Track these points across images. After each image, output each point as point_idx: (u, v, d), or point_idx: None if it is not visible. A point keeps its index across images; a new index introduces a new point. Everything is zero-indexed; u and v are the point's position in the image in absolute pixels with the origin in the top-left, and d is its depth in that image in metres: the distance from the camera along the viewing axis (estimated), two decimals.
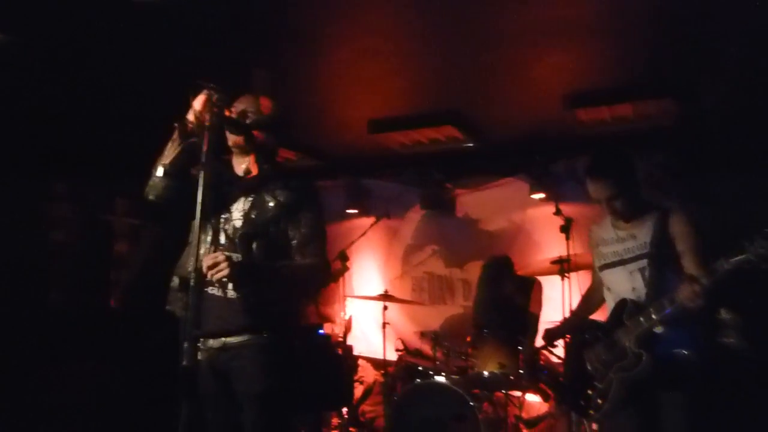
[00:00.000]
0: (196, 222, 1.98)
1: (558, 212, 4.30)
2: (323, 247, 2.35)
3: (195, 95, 2.12)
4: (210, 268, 2.04)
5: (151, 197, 2.28)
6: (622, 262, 2.61)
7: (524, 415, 4.60)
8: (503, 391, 4.23)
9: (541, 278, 4.93)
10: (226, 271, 2.03)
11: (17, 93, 3.96)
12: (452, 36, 3.34)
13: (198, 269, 1.94)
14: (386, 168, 6.00)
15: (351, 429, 5.07)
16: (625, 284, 2.61)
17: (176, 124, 2.18)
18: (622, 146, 2.86)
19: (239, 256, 2.19)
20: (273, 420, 2.22)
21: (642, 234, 2.58)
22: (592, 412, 2.58)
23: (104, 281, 5.01)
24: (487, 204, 5.73)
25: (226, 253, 2.11)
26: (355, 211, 6.02)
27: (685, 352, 2.44)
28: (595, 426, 4.20)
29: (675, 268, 2.49)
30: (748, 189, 4.49)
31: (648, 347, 2.40)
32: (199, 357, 2.21)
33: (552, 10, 3.03)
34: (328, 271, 2.35)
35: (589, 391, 2.60)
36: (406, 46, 3.51)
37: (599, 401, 2.54)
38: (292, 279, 2.25)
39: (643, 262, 2.55)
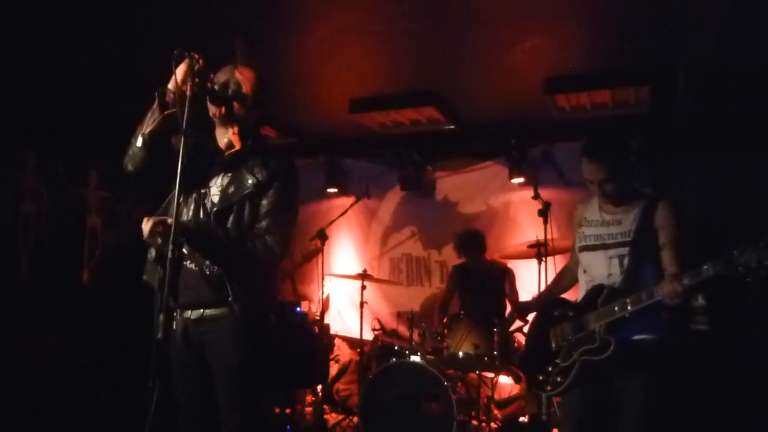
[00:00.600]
0: (175, 194, 1.95)
1: (536, 196, 4.34)
2: (281, 225, 2.25)
3: (176, 64, 2.04)
4: (149, 232, 2.01)
5: (129, 168, 2.23)
6: (603, 246, 2.60)
7: (496, 396, 4.69)
8: (477, 372, 4.29)
9: (518, 262, 4.99)
10: (159, 231, 2.00)
11: None
12: (434, 16, 3.32)
13: (175, 242, 1.92)
14: (366, 148, 5.99)
15: (325, 406, 5.11)
16: (601, 269, 2.60)
17: (156, 94, 2.11)
18: (620, 131, 2.84)
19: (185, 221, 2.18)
20: (247, 393, 2.22)
21: (628, 221, 2.57)
22: (549, 388, 2.62)
23: (75, 255, 4.93)
24: (466, 187, 5.76)
25: (164, 218, 2.05)
26: (335, 190, 6.00)
27: (650, 337, 2.48)
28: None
29: (654, 260, 2.50)
30: (720, 175, 4.59)
31: (615, 334, 2.43)
32: (174, 328, 2.22)
33: None
34: (277, 252, 2.22)
35: (549, 368, 2.63)
36: (388, 25, 3.48)
37: (558, 379, 2.57)
38: (234, 246, 2.17)
39: (624, 250, 2.55)
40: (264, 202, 2.24)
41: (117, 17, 3.30)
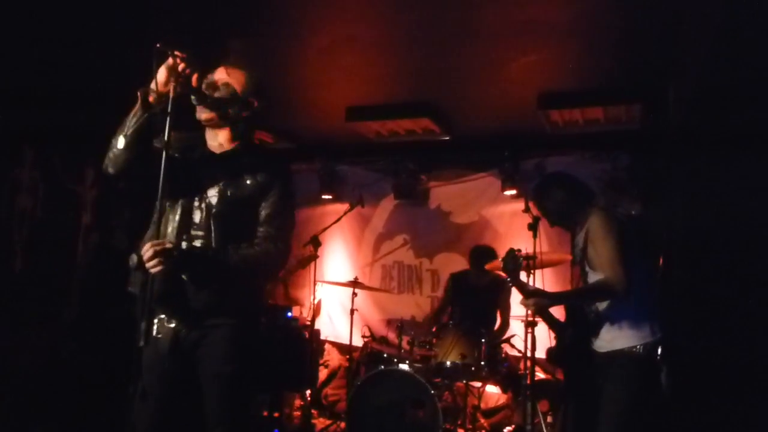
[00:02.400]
0: (158, 199, 1.90)
1: (527, 209, 4.38)
2: (283, 230, 2.21)
3: (157, 62, 1.94)
4: (149, 259, 1.90)
5: (110, 170, 2.10)
6: (579, 270, 2.84)
7: (483, 405, 4.73)
8: (464, 381, 4.33)
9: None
10: (159, 268, 1.90)
11: None
12: (432, 29, 3.39)
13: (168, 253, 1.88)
14: (361, 156, 6.04)
15: (313, 411, 5.14)
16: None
17: (138, 93, 2.00)
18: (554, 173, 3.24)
19: (189, 244, 2.08)
20: (238, 399, 2.18)
21: (580, 241, 2.79)
22: None
23: (69, 251, 4.95)
24: (459, 197, 5.81)
25: (169, 245, 1.97)
26: (329, 196, 6.05)
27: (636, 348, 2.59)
28: (550, 418, 4.34)
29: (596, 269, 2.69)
30: (711, 189, 4.66)
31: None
32: (160, 336, 2.13)
33: (529, 12, 3.10)
34: (280, 256, 2.20)
35: None
36: (387, 37, 3.55)
37: None
38: (243, 266, 2.11)
39: (580, 267, 2.81)
40: (264, 205, 2.18)
41: (115, 18, 3.34)
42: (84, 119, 4.61)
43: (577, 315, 2.80)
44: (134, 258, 1.95)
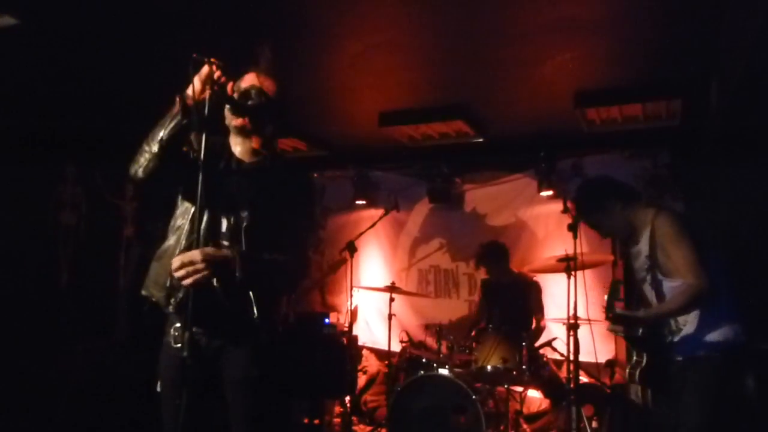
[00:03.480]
0: (197, 206, 1.89)
1: (566, 210, 4.30)
2: (303, 242, 2.24)
3: (194, 70, 1.98)
4: (183, 266, 1.92)
5: (140, 174, 2.08)
6: (642, 280, 2.67)
7: (525, 410, 4.65)
8: (505, 386, 4.27)
9: (547, 276, 4.96)
10: (199, 276, 1.92)
11: (27, 76, 4.00)
12: (463, 31, 3.36)
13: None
14: (395, 161, 6.03)
15: (353, 418, 5.13)
16: (650, 298, 2.67)
17: (177, 98, 2.02)
18: (596, 179, 2.97)
19: (226, 252, 2.03)
20: (266, 407, 2.17)
21: (644, 248, 2.61)
22: None
23: (113, 264, 5.06)
24: (494, 200, 5.75)
25: (209, 252, 1.97)
26: (363, 202, 6.05)
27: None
28: (595, 423, 4.24)
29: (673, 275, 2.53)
30: (754, 188, 4.50)
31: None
32: (179, 345, 2.07)
33: (563, 9, 3.04)
34: (307, 267, 2.29)
35: None
36: (418, 41, 3.53)
37: None
38: (279, 272, 2.15)
39: (649, 276, 2.61)
40: (289, 215, 2.18)
41: (148, 30, 3.40)
42: (122, 133, 4.72)
43: (656, 325, 2.63)
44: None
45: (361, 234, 5.28)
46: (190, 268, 1.92)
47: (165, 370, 2.16)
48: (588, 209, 2.74)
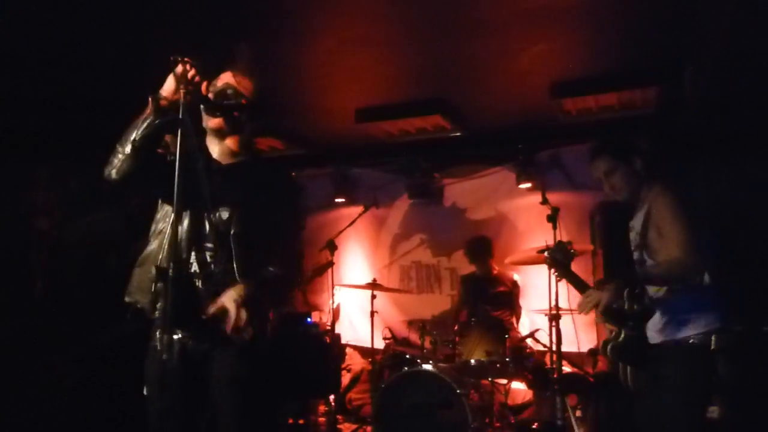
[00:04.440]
0: (174, 207, 1.86)
1: (545, 201, 4.33)
2: (293, 251, 2.25)
3: (170, 70, 1.95)
4: (236, 329, 1.97)
5: (113, 176, 2.05)
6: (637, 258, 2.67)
7: (510, 402, 4.66)
8: (489, 379, 4.27)
9: (527, 267, 4.99)
10: (249, 332, 2.00)
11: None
12: (438, 25, 3.34)
13: (177, 261, 1.83)
14: (373, 157, 6.00)
15: (338, 416, 5.10)
16: None
17: (150, 99, 1.99)
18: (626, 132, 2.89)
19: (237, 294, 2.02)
20: (255, 410, 2.15)
21: (636, 224, 2.61)
22: None
23: (88, 270, 4.96)
24: (474, 193, 5.76)
25: (234, 299, 1.98)
26: (343, 200, 6.02)
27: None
28: (578, 413, 4.27)
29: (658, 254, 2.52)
30: (729, 176, 4.57)
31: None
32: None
33: (537, 0, 3.04)
34: (295, 278, 2.27)
35: None
36: (392, 35, 3.50)
37: None
38: (270, 290, 2.16)
39: (636, 254, 2.62)
40: (275, 224, 2.17)
41: (128, 33, 3.34)
42: (97, 137, 4.62)
43: (636, 304, 2.58)
44: (152, 270, 1.90)
45: (341, 232, 5.25)
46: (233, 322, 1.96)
47: (151, 374, 2.13)
48: (615, 149, 2.67)
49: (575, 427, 4.03)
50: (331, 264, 5.09)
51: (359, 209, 5.54)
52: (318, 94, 4.50)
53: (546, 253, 2.66)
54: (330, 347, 4.87)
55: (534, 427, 4.45)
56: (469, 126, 5.03)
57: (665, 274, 2.46)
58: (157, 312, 2.05)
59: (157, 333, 2.07)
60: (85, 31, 3.34)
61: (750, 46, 3.44)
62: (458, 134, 5.11)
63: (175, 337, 2.10)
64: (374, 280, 5.04)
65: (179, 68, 1.95)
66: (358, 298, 5.84)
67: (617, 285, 2.47)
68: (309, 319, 5.17)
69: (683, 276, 2.43)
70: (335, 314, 5.62)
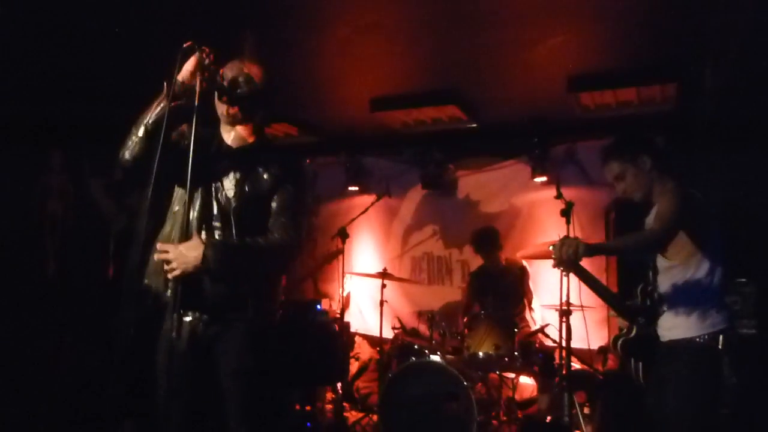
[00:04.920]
0: (186, 190, 1.96)
1: (559, 196, 4.27)
2: (296, 221, 2.25)
3: (185, 57, 2.01)
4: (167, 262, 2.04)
5: (127, 157, 2.13)
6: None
7: (517, 396, 4.65)
8: (497, 373, 4.26)
9: (540, 262, 4.95)
10: (176, 272, 2.04)
11: (11, 61, 3.93)
12: (456, 14, 3.29)
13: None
14: (387, 146, 5.97)
15: (345, 404, 5.12)
16: (650, 275, 2.65)
17: (164, 83, 2.05)
18: (638, 132, 2.83)
19: (196, 252, 2.07)
20: (262, 396, 2.20)
21: (650, 222, 2.58)
22: None
23: (102, 252, 5.02)
24: (488, 186, 5.71)
25: (181, 245, 2.06)
26: (356, 188, 6.01)
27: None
28: (587, 409, 4.24)
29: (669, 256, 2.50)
30: (748, 174, 4.49)
31: None
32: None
33: None
34: (296, 247, 2.25)
35: None
36: (408, 23, 3.46)
37: None
38: (260, 256, 2.19)
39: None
40: (279, 198, 2.22)
41: (143, 19, 3.34)
42: (112, 122, 4.65)
43: (648, 300, 2.59)
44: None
45: (353, 220, 5.24)
46: (165, 261, 2.05)
47: (162, 357, 2.18)
48: (620, 153, 2.61)
49: (582, 425, 4.01)
50: (341, 251, 5.09)
51: (372, 198, 5.52)
52: (333, 83, 4.48)
53: (551, 248, 2.56)
54: (339, 335, 4.88)
55: (540, 422, 4.44)
56: (484, 118, 4.99)
57: (633, 242, 2.43)
58: (169, 291, 2.11)
59: (169, 315, 2.14)
60: (96, 18, 3.34)
61: None
62: (473, 126, 5.06)
63: (186, 319, 2.17)
64: (385, 269, 5.03)
65: (197, 55, 2.01)
66: (369, 287, 5.83)
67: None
68: (318, 307, 5.18)
69: (648, 244, 2.39)
70: (345, 303, 5.63)
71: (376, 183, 5.96)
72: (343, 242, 5.05)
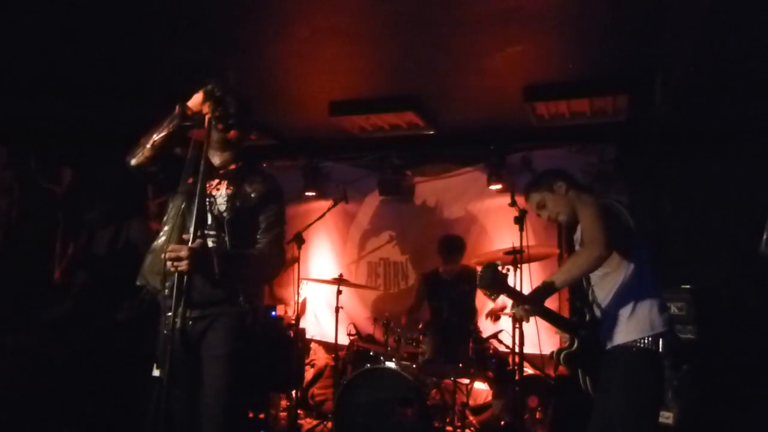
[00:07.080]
0: (196, 201, 2.25)
1: (513, 203, 4.34)
2: (281, 236, 2.59)
3: (199, 88, 2.36)
4: (171, 260, 2.22)
5: (132, 162, 2.43)
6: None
7: (471, 402, 4.68)
8: (452, 378, 4.28)
9: None
10: (185, 267, 2.21)
11: None
12: (416, 20, 3.31)
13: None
14: (345, 151, 5.95)
15: (300, 411, 5.06)
16: (584, 287, 2.75)
17: (178, 106, 2.38)
18: (552, 168, 2.95)
19: (205, 243, 2.36)
20: (236, 377, 2.39)
21: (578, 236, 2.68)
22: None
23: (46, 252, 4.84)
24: (445, 193, 5.76)
25: (192, 246, 2.24)
26: (313, 193, 5.96)
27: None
28: (539, 414, 4.30)
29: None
30: (697, 183, 4.65)
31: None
32: (167, 330, 2.31)
33: (514, 0, 3.03)
34: (282, 258, 2.61)
35: None
36: (369, 28, 3.47)
37: None
38: (253, 264, 2.49)
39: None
40: (264, 215, 2.53)
41: (102, 20, 3.26)
42: (59, 118, 4.49)
43: (586, 312, 2.68)
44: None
45: (310, 225, 5.19)
46: (175, 259, 2.22)
47: (158, 352, 2.42)
48: (537, 184, 2.80)
49: (534, 429, 4.06)
50: (296, 260, 5.03)
51: (329, 203, 5.48)
52: (292, 85, 4.43)
53: (479, 275, 2.57)
54: (294, 341, 4.82)
55: (494, 427, 4.47)
56: (442, 125, 5.02)
57: (578, 264, 2.46)
58: (166, 289, 2.32)
59: (165, 312, 2.41)
60: (54, 18, 3.24)
61: (720, 55, 3.49)
62: (431, 132, 5.09)
63: (179, 317, 2.30)
64: (341, 275, 5.00)
65: (207, 87, 2.35)
66: (325, 292, 5.79)
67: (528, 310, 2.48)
68: (273, 312, 5.11)
69: (593, 257, 2.41)
70: (301, 308, 5.57)
71: (333, 188, 5.92)
72: (299, 248, 4.99)
